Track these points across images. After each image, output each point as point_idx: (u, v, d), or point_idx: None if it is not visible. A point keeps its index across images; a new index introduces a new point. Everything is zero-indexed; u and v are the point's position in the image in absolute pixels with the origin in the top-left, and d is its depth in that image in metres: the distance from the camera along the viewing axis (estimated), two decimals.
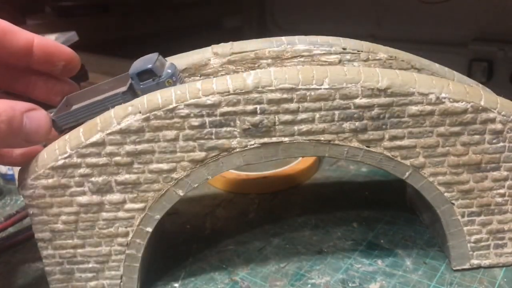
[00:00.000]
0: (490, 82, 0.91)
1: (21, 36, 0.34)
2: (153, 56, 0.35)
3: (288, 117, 0.33)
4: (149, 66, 0.34)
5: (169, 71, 0.35)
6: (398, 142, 0.35)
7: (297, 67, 0.34)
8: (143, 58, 0.36)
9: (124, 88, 0.35)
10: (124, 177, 0.34)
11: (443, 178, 0.36)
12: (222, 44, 0.38)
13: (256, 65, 0.37)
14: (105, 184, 0.34)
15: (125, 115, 0.33)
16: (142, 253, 0.36)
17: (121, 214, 0.35)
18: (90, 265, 0.37)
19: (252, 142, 0.34)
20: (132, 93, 0.35)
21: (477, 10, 0.92)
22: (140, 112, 0.33)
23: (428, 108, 0.34)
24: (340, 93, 0.33)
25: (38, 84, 0.37)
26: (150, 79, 0.34)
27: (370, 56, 0.37)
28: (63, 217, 0.35)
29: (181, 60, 0.37)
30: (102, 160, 0.34)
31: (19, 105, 0.32)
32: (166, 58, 0.38)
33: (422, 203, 0.42)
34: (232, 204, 0.51)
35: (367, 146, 0.35)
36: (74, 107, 0.36)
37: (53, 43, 0.36)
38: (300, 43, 0.37)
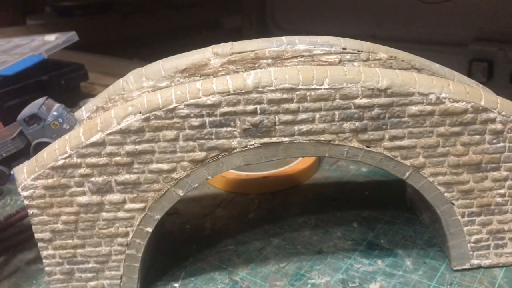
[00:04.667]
0: (490, 82, 0.91)
1: None
2: (40, 100, 0.37)
3: (288, 117, 0.33)
4: (34, 111, 0.36)
5: (55, 113, 0.37)
6: (398, 142, 0.35)
7: (297, 67, 0.34)
8: (32, 103, 0.38)
9: (14, 134, 0.37)
10: (124, 177, 0.34)
11: (443, 178, 0.36)
12: (222, 44, 0.38)
13: (256, 65, 0.37)
14: (105, 184, 0.34)
15: (125, 115, 0.33)
16: (142, 253, 0.36)
17: (121, 214, 0.35)
18: (90, 265, 0.37)
19: (252, 142, 0.34)
20: (22, 139, 0.37)
21: (477, 10, 0.93)
22: (140, 112, 0.33)
23: (428, 108, 0.34)
24: (340, 93, 0.33)
25: None
26: (36, 124, 0.36)
27: (370, 56, 0.37)
28: (63, 217, 0.35)
29: (181, 60, 0.37)
30: (102, 160, 0.34)
31: None
32: (166, 58, 0.38)
33: (422, 203, 0.42)
34: (232, 204, 0.51)
35: (367, 146, 0.35)
36: None
37: None
38: (300, 43, 0.37)
